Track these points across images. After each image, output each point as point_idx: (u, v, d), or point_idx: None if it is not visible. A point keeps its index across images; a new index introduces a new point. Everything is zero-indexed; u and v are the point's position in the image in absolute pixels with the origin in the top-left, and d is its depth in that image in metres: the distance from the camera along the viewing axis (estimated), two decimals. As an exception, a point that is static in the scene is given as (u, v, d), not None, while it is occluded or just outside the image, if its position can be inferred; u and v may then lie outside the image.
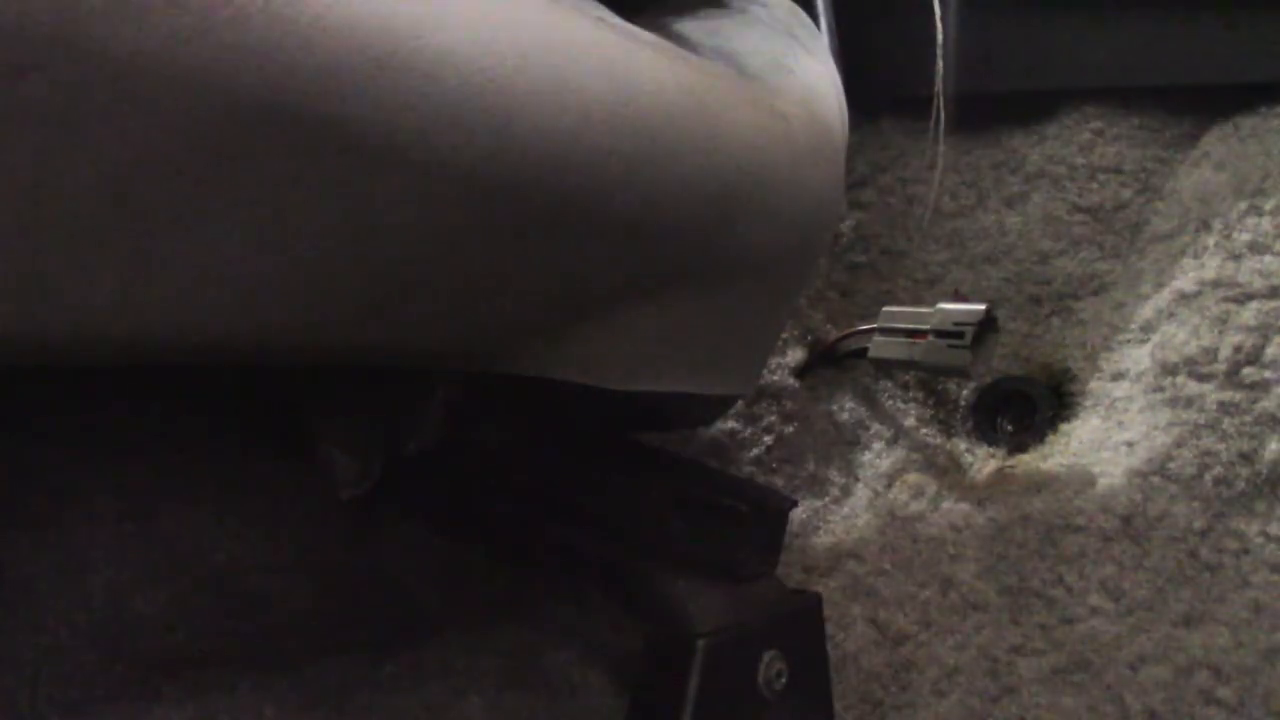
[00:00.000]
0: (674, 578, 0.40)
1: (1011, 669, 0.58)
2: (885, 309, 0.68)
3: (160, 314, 0.26)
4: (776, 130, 0.38)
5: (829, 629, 0.56)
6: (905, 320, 0.66)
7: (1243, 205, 0.67)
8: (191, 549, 0.44)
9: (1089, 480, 0.63)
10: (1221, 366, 0.62)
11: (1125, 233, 0.74)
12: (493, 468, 0.45)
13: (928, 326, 0.64)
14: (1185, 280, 0.66)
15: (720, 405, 0.53)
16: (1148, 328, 0.67)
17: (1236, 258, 0.65)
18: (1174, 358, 0.64)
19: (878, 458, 0.70)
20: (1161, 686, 0.56)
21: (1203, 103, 0.74)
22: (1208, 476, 0.60)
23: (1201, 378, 0.62)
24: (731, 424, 0.66)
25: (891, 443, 0.70)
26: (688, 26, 0.41)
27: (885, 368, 0.71)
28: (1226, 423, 0.61)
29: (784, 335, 0.70)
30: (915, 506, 0.66)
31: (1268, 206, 0.66)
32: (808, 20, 0.48)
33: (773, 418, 0.67)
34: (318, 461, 0.43)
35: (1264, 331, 0.62)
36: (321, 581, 0.46)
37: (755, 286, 0.43)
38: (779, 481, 0.66)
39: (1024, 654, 0.59)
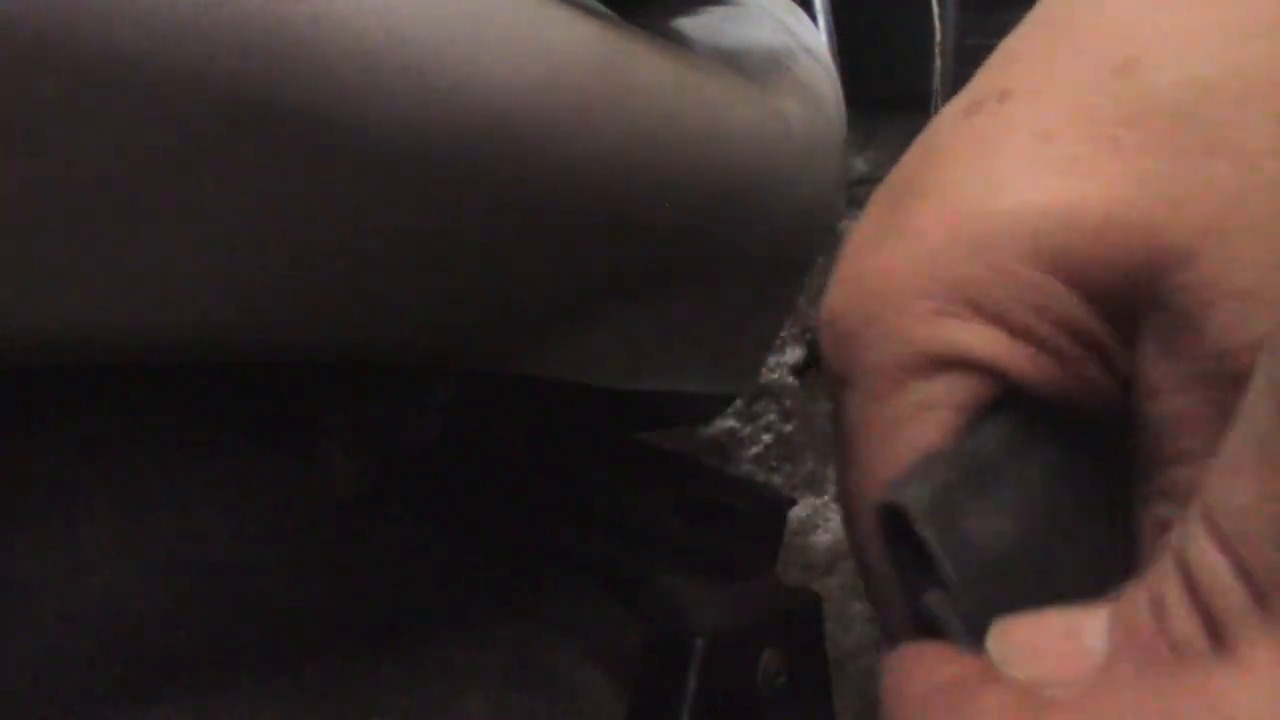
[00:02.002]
0: (673, 576, 0.40)
1: (1011, 667, 0.58)
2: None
3: (157, 312, 0.26)
4: (775, 129, 0.38)
5: (828, 628, 0.56)
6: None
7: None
8: (191, 549, 0.44)
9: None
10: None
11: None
12: (493, 468, 0.45)
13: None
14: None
15: (720, 402, 0.53)
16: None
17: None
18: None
19: (877, 456, 0.69)
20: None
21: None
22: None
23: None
24: (731, 423, 0.66)
25: (891, 441, 0.70)
26: (686, 25, 0.41)
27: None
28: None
29: (783, 333, 0.70)
30: (915, 505, 0.65)
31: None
32: (806, 19, 0.48)
33: (772, 416, 0.67)
34: (318, 461, 0.43)
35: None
36: (321, 581, 0.46)
37: (754, 285, 0.43)
38: (778, 480, 0.66)
39: (1024, 652, 0.58)
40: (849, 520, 0.21)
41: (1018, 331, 0.18)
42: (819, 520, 0.65)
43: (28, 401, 0.42)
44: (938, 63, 0.67)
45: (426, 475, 0.44)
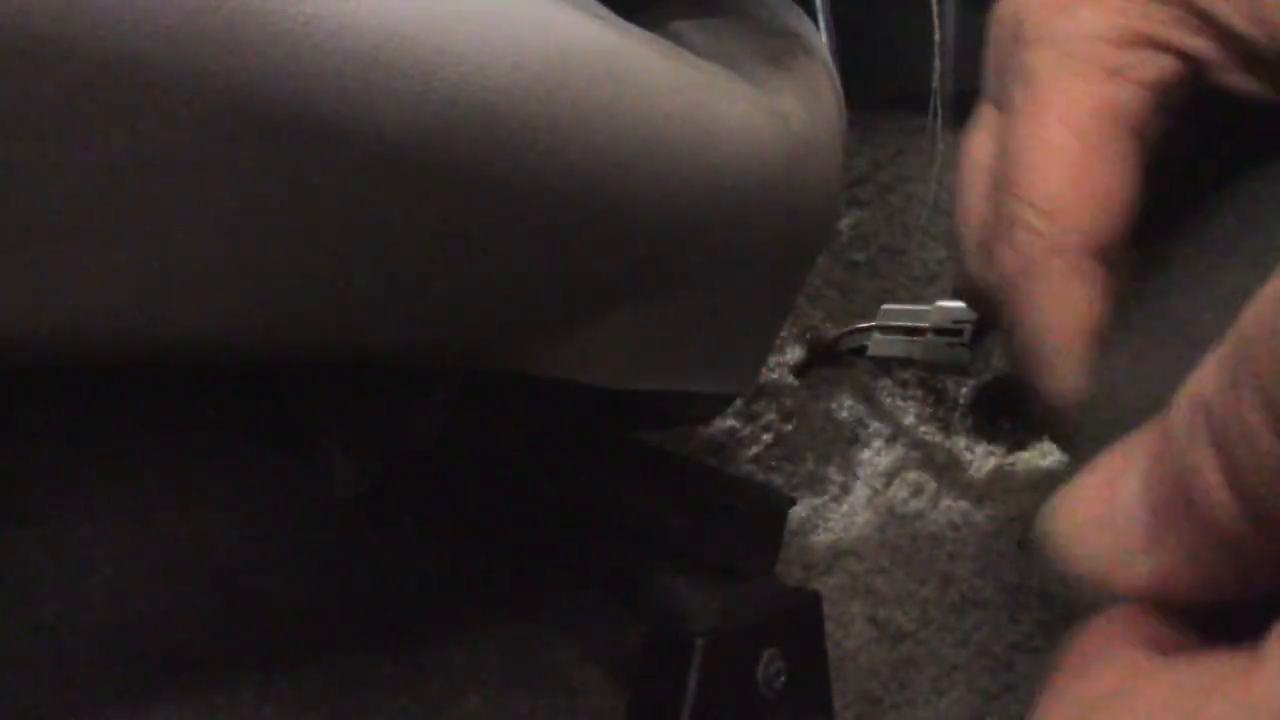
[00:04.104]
0: (673, 576, 0.40)
1: (1011, 666, 0.58)
2: (884, 307, 0.67)
3: (157, 314, 0.26)
4: (775, 129, 0.38)
5: (828, 627, 0.56)
6: (904, 318, 0.66)
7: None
8: (191, 549, 0.44)
9: (1088, 478, 0.62)
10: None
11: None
12: (493, 468, 0.45)
13: (927, 324, 0.64)
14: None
15: (720, 402, 0.53)
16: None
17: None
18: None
19: (877, 455, 0.70)
20: (1161, 684, 0.56)
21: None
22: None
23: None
24: (730, 422, 0.66)
25: (891, 441, 0.70)
26: (685, 26, 0.41)
27: (884, 366, 0.71)
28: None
29: (783, 333, 0.70)
30: (915, 504, 0.66)
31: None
32: (806, 19, 0.48)
33: (771, 416, 0.67)
34: (318, 461, 0.43)
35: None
36: (321, 581, 0.46)
37: (754, 285, 0.43)
38: (778, 480, 0.66)
39: (1024, 651, 0.59)
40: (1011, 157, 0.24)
41: (1210, 19, 0.20)
42: (819, 520, 0.65)
43: (27, 401, 0.42)
44: (938, 63, 0.67)
45: (426, 475, 0.44)
